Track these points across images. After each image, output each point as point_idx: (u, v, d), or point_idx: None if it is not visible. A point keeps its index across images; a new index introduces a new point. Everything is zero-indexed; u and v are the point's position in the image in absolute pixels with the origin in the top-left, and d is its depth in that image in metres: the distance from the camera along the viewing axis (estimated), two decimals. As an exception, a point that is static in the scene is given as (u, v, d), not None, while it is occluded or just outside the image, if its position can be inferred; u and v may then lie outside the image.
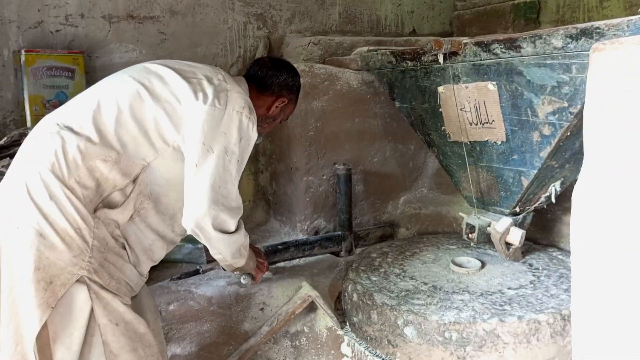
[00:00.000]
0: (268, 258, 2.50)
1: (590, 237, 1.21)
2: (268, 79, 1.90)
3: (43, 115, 2.47)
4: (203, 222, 1.62)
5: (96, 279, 1.45)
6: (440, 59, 2.13)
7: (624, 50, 1.14)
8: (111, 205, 1.53)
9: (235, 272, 1.95)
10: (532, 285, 2.09)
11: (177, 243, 1.80)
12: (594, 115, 1.21)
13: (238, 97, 1.67)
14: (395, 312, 1.95)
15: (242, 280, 2.04)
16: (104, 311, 1.46)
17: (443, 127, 2.40)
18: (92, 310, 1.44)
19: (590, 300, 1.22)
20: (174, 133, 1.58)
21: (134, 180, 1.55)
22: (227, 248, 1.75)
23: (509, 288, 2.08)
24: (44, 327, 1.39)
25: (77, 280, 1.42)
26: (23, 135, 2.37)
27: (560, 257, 2.36)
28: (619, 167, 1.14)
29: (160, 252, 1.70)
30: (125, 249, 1.57)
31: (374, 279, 2.22)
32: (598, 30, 1.60)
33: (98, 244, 1.47)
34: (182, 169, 1.61)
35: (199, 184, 1.60)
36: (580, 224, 1.23)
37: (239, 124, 1.64)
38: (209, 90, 1.63)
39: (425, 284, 2.15)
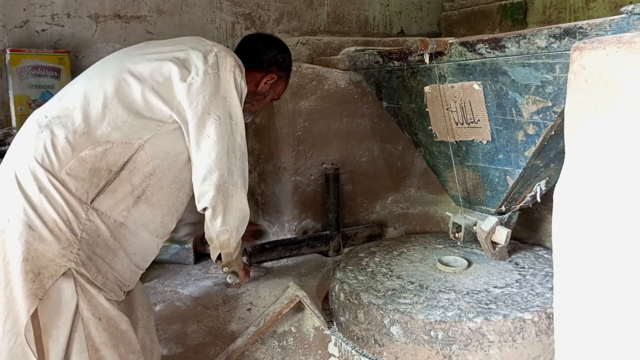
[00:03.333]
0: (255, 257, 2.51)
1: (571, 235, 1.21)
2: (257, 54, 1.88)
3: (28, 116, 2.49)
4: (225, 188, 1.62)
5: (83, 272, 1.46)
6: (426, 59, 2.14)
7: (604, 49, 1.15)
8: (105, 189, 1.51)
9: (224, 270, 1.92)
10: (517, 284, 2.10)
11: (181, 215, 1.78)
12: (575, 114, 1.21)
13: (226, 55, 1.67)
14: (381, 312, 1.95)
15: (228, 279, 2.01)
16: (88, 305, 1.47)
17: (430, 127, 2.41)
18: (77, 304, 1.45)
19: (572, 298, 1.23)
20: (166, 109, 1.57)
21: (128, 160, 1.53)
22: (238, 221, 1.72)
23: (495, 287, 2.09)
24: (37, 319, 1.41)
25: (65, 274, 1.43)
26: (8, 135, 2.36)
27: (545, 255, 2.38)
28: (599, 166, 1.15)
29: (171, 225, 1.70)
30: (121, 240, 1.55)
31: (361, 278, 2.22)
32: (581, 30, 1.61)
33: (87, 237, 1.47)
34: (181, 140, 1.61)
35: (214, 153, 1.60)
36: (562, 223, 1.24)
37: (234, 84, 1.65)
38: (199, 59, 1.62)
39: (412, 283, 2.15)
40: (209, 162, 1.60)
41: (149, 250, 1.66)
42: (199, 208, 1.67)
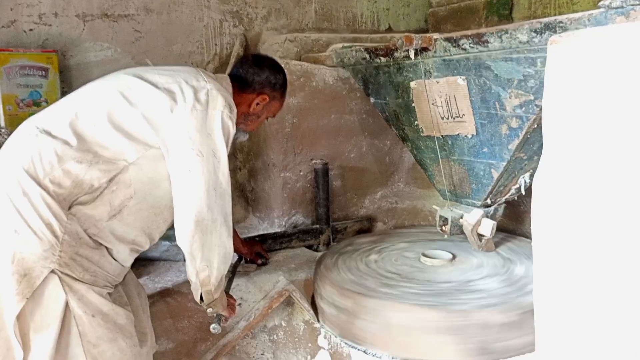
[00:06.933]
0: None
1: (549, 225, 1.24)
2: (249, 77, 1.91)
3: (17, 115, 2.50)
4: (204, 225, 1.61)
5: (68, 272, 1.49)
6: (412, 54, 2.17)
7: (580, 42, 1.17)
8: (86, 202, 1.56)
9: (208, 311, 1.82)
10: (512, 263, 2.26)
11: (156, 240, 1.78)
12: (552, 106, 1.24)
13: (218, 94, 1.68)
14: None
15: (212, 329, 1.85)
16: (79, 303, 1.50)
17: (416, 122, 2.44)
18: (67, 302, 1.49)
19: (552, 286, 1.26)
20: (154, 136, 1.60)
21: (111, 179, 1.57)
22: (219, 258, 1.69)
23: (508, 270, 2.21)
24: (24, 317, 1.46)
25: (54, 273, 1.48)
26: (-4, 134, 2.37)
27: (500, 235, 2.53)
28: (575, 157, 1.17)
29: (145, 246, 1.71)
30: (101, 245, 1.59)
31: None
32: (561, 25, 1.64)
33: (69, 239, 1.50)
34: (165, 167, 1.62)
35: (193, 188, 1.60)
36: (540, 213, 1.27)
37: (221, 123, 1.65)
38: (189, 94, 1.64)
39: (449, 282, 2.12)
40: (188, 197, 1.61)
41: (126, 258, 1.69)
42: (178, 242, 1.65)
